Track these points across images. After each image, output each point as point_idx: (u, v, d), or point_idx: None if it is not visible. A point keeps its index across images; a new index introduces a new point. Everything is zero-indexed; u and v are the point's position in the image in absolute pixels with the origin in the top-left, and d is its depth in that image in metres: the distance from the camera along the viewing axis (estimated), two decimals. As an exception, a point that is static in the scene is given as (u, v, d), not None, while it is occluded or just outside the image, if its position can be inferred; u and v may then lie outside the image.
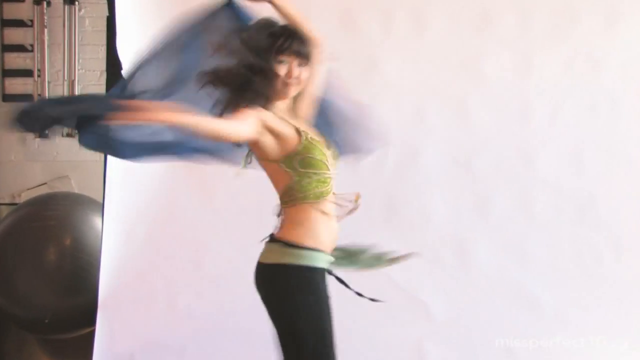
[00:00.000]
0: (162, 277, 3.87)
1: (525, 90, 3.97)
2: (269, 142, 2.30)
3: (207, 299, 3.84)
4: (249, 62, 2.34)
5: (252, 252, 2.40)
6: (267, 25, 2.41)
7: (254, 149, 2.35)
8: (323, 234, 2.32)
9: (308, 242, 2.28)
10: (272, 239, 2.35)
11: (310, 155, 2.32)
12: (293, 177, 2.31)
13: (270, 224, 2.41)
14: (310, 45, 2.40)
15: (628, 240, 3.96)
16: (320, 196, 2.34)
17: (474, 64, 3.97)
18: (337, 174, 2.39)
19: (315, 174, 2.33)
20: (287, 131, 2.33)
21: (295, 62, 2.36)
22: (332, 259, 2.35)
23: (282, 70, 2.35)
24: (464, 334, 3.90)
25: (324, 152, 2.36)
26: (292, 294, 2.26)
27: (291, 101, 2.44)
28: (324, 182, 2.35)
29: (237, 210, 3.82)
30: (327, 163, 2.36)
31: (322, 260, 2.31)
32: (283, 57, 2.35)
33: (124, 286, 3.87)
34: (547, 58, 3.96)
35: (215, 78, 2.34)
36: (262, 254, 2.34)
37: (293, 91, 2.40)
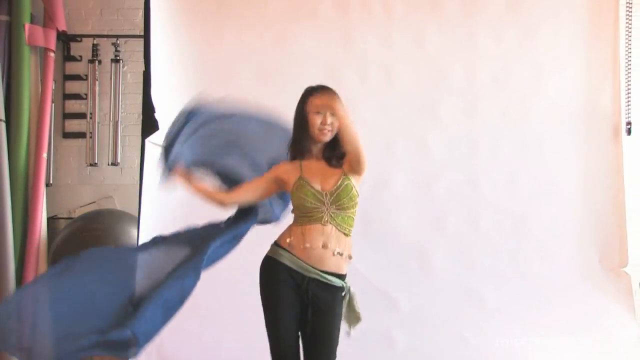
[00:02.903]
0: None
1: (472, 130, 4.40)
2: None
3: (221, 297, 4.10)
4: (297, 119, 2.70)
5: (258, 260, 2.77)
6: (308, 90, 2.72)
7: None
8: None
9: None
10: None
11: None
12: None
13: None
14: (340, 102, 2.63)
15: (552, 248, 4.37)
16: None
17: (432, 109, 4.41)
18: None
19: None
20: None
21: (328, 113, 2.65)
22: None
23: (318, 119, 2.66)
24: (424, 324, 4.25)
25: None
26: None
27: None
28: None
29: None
30: None
31: None
32: (320, 110, 2.64)
33: (155, 286, 4.29)
34: (488, 104, 4.41)
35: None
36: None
37: (329, 136, 2.68)
